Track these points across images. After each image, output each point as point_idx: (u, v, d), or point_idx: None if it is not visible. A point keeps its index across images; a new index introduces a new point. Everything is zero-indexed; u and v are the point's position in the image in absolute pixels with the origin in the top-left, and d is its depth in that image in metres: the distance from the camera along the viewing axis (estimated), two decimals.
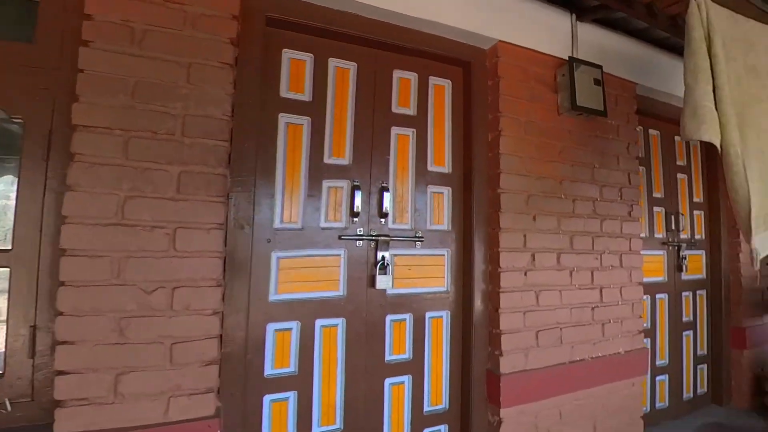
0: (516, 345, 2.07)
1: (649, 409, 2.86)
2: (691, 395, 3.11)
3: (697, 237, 3.21)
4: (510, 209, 2.10)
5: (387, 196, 1.98)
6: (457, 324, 2.13)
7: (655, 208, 2.96)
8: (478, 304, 2.08)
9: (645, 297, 2.85)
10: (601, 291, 2.36)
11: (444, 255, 2.14)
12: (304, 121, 1.89)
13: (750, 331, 3.21)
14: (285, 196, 1.83)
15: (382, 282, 1.95)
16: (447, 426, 2.09)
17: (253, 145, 1.67)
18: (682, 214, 3.07)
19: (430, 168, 2.15)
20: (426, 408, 2.04)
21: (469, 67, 2.21)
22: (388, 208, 1.99)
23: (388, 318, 2.00)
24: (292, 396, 1.78)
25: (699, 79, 1.64)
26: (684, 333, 3.08)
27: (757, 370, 3.28)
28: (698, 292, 3.19)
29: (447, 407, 2.10)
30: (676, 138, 3.15)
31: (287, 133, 1.86)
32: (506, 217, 2.09)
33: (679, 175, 3.16)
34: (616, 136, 2.52)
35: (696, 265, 3.18)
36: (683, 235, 3.10)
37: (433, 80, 2.20)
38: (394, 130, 2.08)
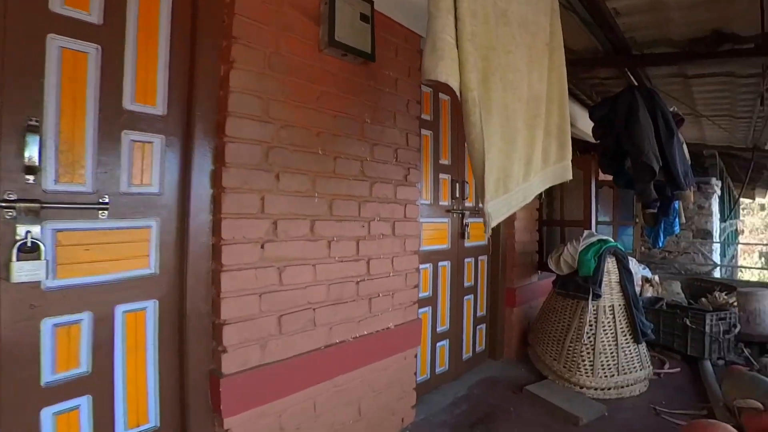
0: (248, 336, 1.63)
1: (429, 375, 2.85)
2: (471, 354, 3.26)
3: (480, 205, 3.29)
4: (240, 164, 1.60)
5: (33, 140, 1.27)
6: (170, 317, 1.58)
7: (441, 175, 2.87)
8: (195, 288, 1.57)
9: (427, 265, 2.76)
10: (368, 263, 2.10)
11: (150, 227, 1.54)
12: None
13: (520, 290, 3.50)
14: None
15: (26, 272, 1.26)
16: None
17: None
18: (467, 183, 3.08)
19: (128, 105, 1.49)
20: None
21: None
22: (36, 160, 1.28)
23: (47, 323, 1.33)
24: None
25: (440, 6, 1.36)
26: (465, 297, 3.16)
27: (525, 324, 3.64)
28: (480, 258, 3.31)
29: (158, 425, 1.57)
30: None
31: None
32: (234, 174, 1.59)
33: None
34: (393, 90, 2.24)
35: (479, 233, 3.27)
36: (468, 203, 3.13)
37: None
38: (56, 42, 1.35)
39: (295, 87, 1.78)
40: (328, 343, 1.93)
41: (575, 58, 3.03)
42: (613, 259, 2.98)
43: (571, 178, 1.91)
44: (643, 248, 6.79)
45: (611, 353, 2.85)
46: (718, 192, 6.95)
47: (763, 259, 17.92)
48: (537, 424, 2.49)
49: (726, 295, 4.38)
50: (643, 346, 2.96)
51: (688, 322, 3.47)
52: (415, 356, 2.45)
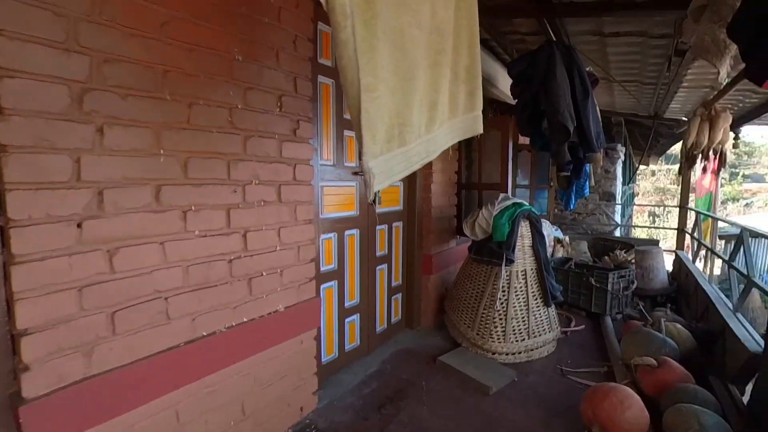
0: (64, 344, 1.19)
1: (337, 353, 2.59)
2: (385, 326, 3.05)
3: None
4: (29, 111, 1.09)
5: None
6: None
7: (347, 132, 2.49)
8: None
9: (330, 235, 2.43)
10: (245, 236, 1.70)
11: None
12: None
13: (437, 257, 3.33)
14: None
15: None
16: None
17: None
18: None
19: None
20: None
21: None
22: None
23: None
24: None
25: None
26: (378, 268, 2.91)
27: (442, 291, 3.51)
28: (395, 224, 3.04)
29: None
30: None
31: None
32: (19, 125, 1.08)
33: None
34: (276, 21, 1.78)
35: (392, 197, 2.99)
36: None
37: None
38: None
39: (123, 6, 1.27)
40: (191, 338, 1.53)
41: (492, 4, 2.75)
42: (527, 222, 2.87)
43: (482, 131, 1.64)
44: (556, 210, 7.11)
45: (522, 318, 2.79)
46: (623, 158, 7.41)
47: (651, 217, 20.27)
48: (448, 397, 2.35)
49: (625, 252, 4.65)
50: (552, 309, 2.96)
51: (593, 281, 3.57)
52: (316, 338, 2.15)
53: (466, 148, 3.81)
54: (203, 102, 1.52)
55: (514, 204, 2.83)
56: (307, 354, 2.10)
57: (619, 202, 7.30)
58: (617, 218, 7.22)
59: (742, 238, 2.82)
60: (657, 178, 23.06)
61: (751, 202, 21.39)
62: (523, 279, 2.84)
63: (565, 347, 3.05)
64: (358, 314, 2.74)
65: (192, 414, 1.56)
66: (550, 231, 5.15)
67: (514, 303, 2.79)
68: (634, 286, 3.69)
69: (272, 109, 1.78)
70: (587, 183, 4.40)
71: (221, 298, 1.63)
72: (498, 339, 2.75)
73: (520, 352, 2.77)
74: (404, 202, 3.12)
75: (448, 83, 1.45)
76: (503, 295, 2.79)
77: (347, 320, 2.65)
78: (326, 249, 2.40)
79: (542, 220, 5.10)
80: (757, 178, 23.93)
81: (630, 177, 9.46)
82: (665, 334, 2.58)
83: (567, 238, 5.25)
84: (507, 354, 2.75)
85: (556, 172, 3.96)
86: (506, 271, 2.79)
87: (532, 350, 2.81)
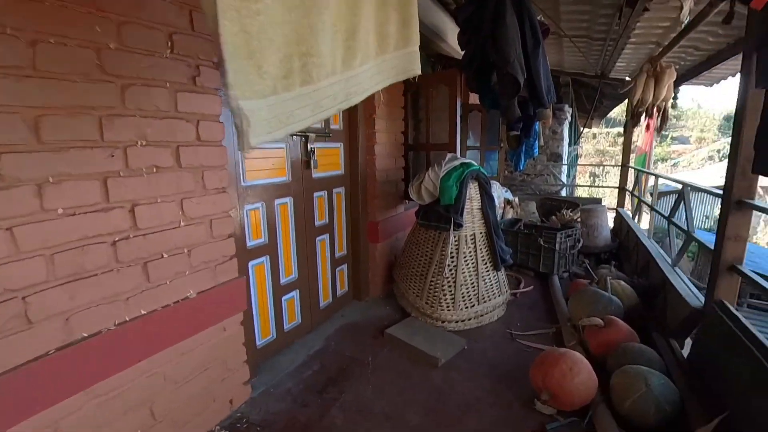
0: None
1: (275, 335, 2.35)
2: (330, 300, 2.84)
3: (334, 126, 2.68)
4: None
5: None
6: None
7: None
8: None
9: (257, 205, 2.12)
10: (132, 211, 1.36)
11: None
12: None
13: (384, 224, 3.11)
14: None
15: None
16: None
17: None
18: None
19: None
20: None
21: None
22: None
23: None
24: None
25: None
26: (319, 238, 2.65)
27: (391, 259, 3.34)
28: (335, 190, 2.77)
29: None
30: None
31: None
32: None
33: None
34: None
35: (332, 161, 2.70)
36: (315, 124, 2.49)
37: None
38: None
39: None
40: (66, 342, 1.22)
41: None
42: (476, 184, 2.70)
43: (419, 72, 1.37)
44: (506, 172, 7.12)
45: (472, 284, 2.68)
46: (569, 118, 7.47)
47: (591, 178, 21.36)
48: (395, 373, 2.21)
49: (571, 212, 4.70)
50: (502, 272, 2.87)
51: (541, 242, 3.54)
52: (243, 323, 1.89)
53: (413, 107, 3.53)
54: (55, 39, 1.13)
55: (462, 164, 2.63)
56: (232, 342, 1.84)
57: (566, 163, 7.44)
58: (563, 178, 7.37)
59: (683, 194, 2.83)
60: (598, 140, 24.16)
61: (677, 162, 23.04)
62: (472, 243, 2.70)
63: (514, 309, 3.01)
64: (297, 290, 2.49)
65: (78, 429, 1.27)
66: (500, 193, 5.10)
67: (463, 269, 2.66)
68: (581, 244, 3.71)
69: (160, 50, 1.40)
70: (536, 143, 4.31)
71: (105, 289, 1.30)
72: (447, 307, 2.63)
73: (470, 319, 2.68)
74: (346, 165, 2.84)
75: (373, 7, 1.15)
76: (452, 262, 2.64)
77: (285, 298, 2.40)
78: (253, 221, 2.09)
79: (493, 181, 5.02)
80: (683, 140, 25.78)
81: (575, 139, 9.69)
82: (611, 293, 2.58)
83: (516, 200, 5.23)
84: (457, 321, 2.65)
85: (506, 131, 3.81)
86: (455, 236, 2.63)
87: (482, 316, 2.72)
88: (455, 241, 2.64)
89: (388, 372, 2.21)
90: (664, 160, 23.84)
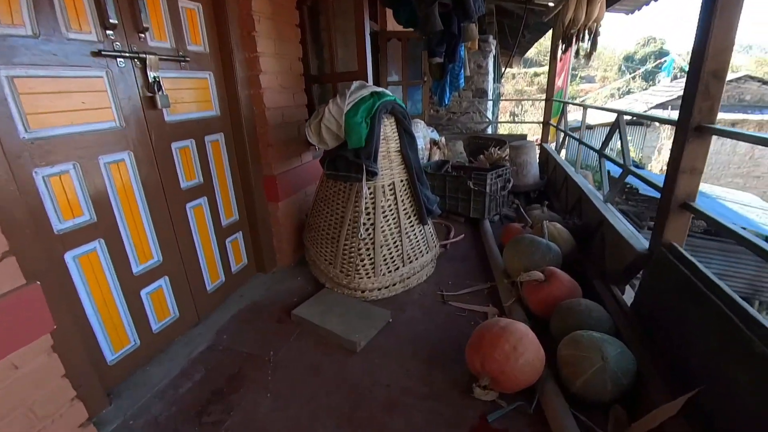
0: None
1: (137, 342, 1.72)
2: (222, 280, 2.23)
3: (192, 48, 1.90)
4: None
5: None
6: None
7: None
8: None
9: (64, 168, 1.39)
10: None
11: None
12: None
13: (284, 177, 2.48)
14: None
15: None
16: None
17: None
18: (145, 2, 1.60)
19: None
20: None
21: None
22: None
23: None
24: None
25: None
26: (190, 205, 1.96)
27: (302, 218, 2.76)
28: (209, 138, 2.05)
29: None
30: None
31: None
32: None
33: None
34: None
35: (196, 97, 1.95)
36: (154, 42, 1.70)
37: None
38: None
39: None
40: None
41: None
42: (392, 120, 2.15)
43: None
44: (432, 111, 6.64)
45: (395, 243, 2.22)
46: (494, 51, 7.05)
47: (511, 117, 21.92)
48: (303, 368, 1.73)
49: (499, 149, 4.39)
50: (429, 226, 2.45)
51: (471, 185, 3.17)
52: (54, 347, 1.24)
53: (312, 26, 2.79)
54: None
55: (373, 94, 2.04)
56: (39, 379, 1.20)
57: (491, 98, 7.13)
58: (489, 115, 7.09)
59: (618, 123, 2.54)
60: (516, 81, 24.64)
61: (585, 100, 24.39)
62: (391, 195, 2.20)
63: (445, 264, 2.65)
64: (166, 277, 1.84)
65: None
66: (426, 133, 4.62)
67: (382, 226, 2.17)
68: (511, 184, 3.41)
69: None
70: (462, 72, 3.81)
71: None
72: (367, 274, 2.17)
73: (394, 284, 2.25)
74: (221, 103, 2.10)
75: None
76: (368, 219, 2.14)
77: (145, 291, 1.75)
78: (57, 193, 1.36)
79: (416, 120, 4.51)
80: (590, 79, 27.27)
81: (498, 77, 9.41)
82: (547, 238, 2.28)
83: (443, 139, 4.81)
84: (380, 289, 2.21)
85: (429, 58, 3.24)
86: (369, 188, 2.10)
87: (409, 278, 2.31)
88: (370, 193, 2.12)
89: (294, 369, 1.73)
90: (573, 98, 25.14)
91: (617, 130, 2.54)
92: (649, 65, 22.66)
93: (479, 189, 3.15)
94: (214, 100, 2.06)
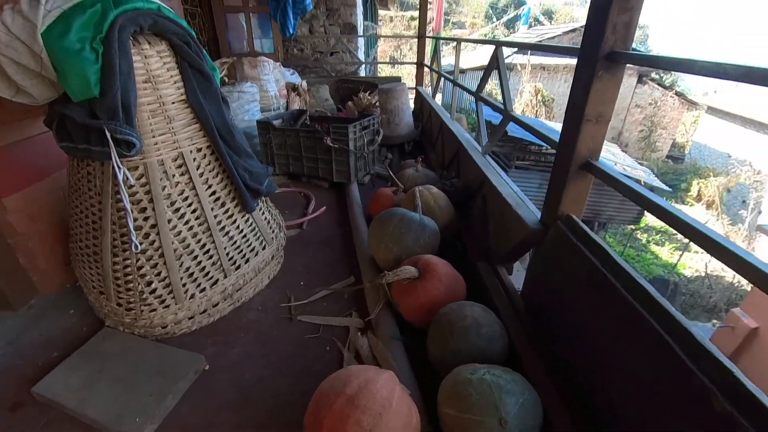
0: None
1: None
2: None
3: None
4: None
5: None
6: None
7: None
8: None
9: None
10: None
11: None
12: None
13: (6, 154, 1.43)
14: None
15: None
16: None
17: None
18: None
19: None
20: None
21: None
22: None
23: None
24: None
25: None
26: None
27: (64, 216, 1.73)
28: None
29: None
30: None
31: None
32: None
33: None
34: None
35: None
36: None
37: None
38: None
39: None
40: None
41: None
42: (161, 46, 1.24)
43: None
44: (296, 50, 5.54)
45: (202, 248, 1.42)
46: None
47: (392, 66, 21.35)
48: None
49: (369, 94, 3.69)
50: (260, 211, 1.68)
51: (329, 142, 2.43)
52: None
53: None
54: None
55: None
56: None
57: (362, 35, 6.26)
58: (360, 56, 6.26)
59: (496, 58, 2.00)
60: (394, 24, 23.70)
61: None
62: (182, 175, 1.35)
63: (299, 252, 1.95)
64: None
65: None
66: (280, 75, 3.66)
67: (175, 226, 1.34)
68: (380, 137, 2.77)
69: None
70: None
71: None
72: (162, 302, 1.35)
73: (215, 305, 1.49)
74: None
75: None
76: (145, 219, 1.28)
77: None
78: None
79: (266, 60, 3.49)
80: (461, 25, 27.70)
81: (372, 15, 8.48)
82: (422, 211, 1.71)
83: (304, 83, 3.90)
84: (191, 318, 1.43)
85: None
86: (133, 168, 1.23)
87: (239, 290, 1.56)
88: (142, 177, 1.25)
89: None
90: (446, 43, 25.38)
91: (495, 67, 2.02)
92: (511, 13, 23.59)
93: (341, 146, 2.44)
94: None
